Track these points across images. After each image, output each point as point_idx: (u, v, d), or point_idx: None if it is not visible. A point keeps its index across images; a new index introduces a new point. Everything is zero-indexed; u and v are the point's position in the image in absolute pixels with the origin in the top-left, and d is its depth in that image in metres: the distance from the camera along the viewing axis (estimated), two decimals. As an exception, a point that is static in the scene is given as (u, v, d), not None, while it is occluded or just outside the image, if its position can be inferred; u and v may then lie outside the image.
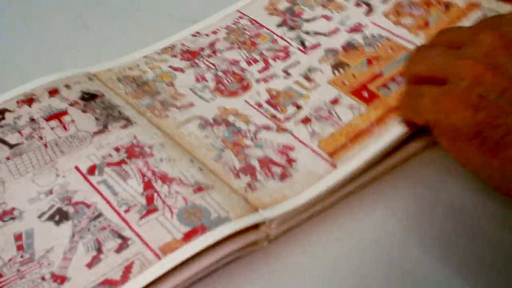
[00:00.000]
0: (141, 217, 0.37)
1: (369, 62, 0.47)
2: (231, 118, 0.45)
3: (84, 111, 0.45)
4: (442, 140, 0.37)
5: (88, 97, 0.46)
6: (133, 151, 0.41)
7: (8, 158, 0.41)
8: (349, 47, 0.49)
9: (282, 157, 0.41)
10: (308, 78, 0.47)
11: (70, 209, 0.38)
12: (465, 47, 0.39)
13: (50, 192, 0.39)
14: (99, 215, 0.37)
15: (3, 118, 0.44)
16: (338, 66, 0.48)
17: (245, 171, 0.40)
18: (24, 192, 0.39)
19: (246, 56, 0.50)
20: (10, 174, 0.40)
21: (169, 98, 0.46)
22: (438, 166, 0.43)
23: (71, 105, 0.45)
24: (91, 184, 0.39)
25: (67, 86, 0.47)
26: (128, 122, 0.44)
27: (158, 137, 0.43)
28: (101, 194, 0.39)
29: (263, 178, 0.40)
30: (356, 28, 0.50)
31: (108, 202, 0.38)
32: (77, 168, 0.40)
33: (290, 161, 0.41)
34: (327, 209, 0.41)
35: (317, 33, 0.51)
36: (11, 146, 0.42)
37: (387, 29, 0.49)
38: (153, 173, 0.40)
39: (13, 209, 0.38)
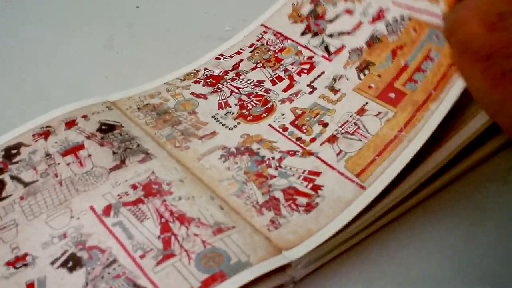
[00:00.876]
0: (157, 263, 0.35)
1: (394, 54, 0.44)
2: (254, 146, 0.43)
3: (101, 144, 0.43)
4: (453, 51, 0.32)
5: (106, 129, 0.44)
6: (151, 189, 0.39)
7: (22, 198, 0.40)
8: (373, 41, 0.46)
9: (308, 185, 0.39)
10: (333, 89, 0.45)
11: (84, 255, 0.36)
12: None
13: (64, 235, 0.37)
14: (114, 261, 0.35)
15: (19, 153, 0.43)
16: (363, 67, 0.45)
17: (268, 206, 0.38)
18: (37, 236, 0.38)
19: (271, 75, 0.48)
20: (23, 215, 0.39)
21: (190, 128, 0.45)
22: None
23: (88, 137, 0.44)
24: (106, 226, 0.37)
25: (85, 117, 0.45)
26: (147, 155, 0.42)
27: (177, 172, 0.41)
28: (116, 238, 0.37)
29: (287, 213, 0.38)
30: (379, 16, 0.47)
31: (123, 246, 0.36)
32: (92, 208, 0.39)
33: (316, 188, 0.39)
34: (358, 244, 0.38)
35: (340, 33, 0.48)
36: (26, 184, 0.41)
37: (409, 6, 0.46)
38: (171, 213, 0.38)
39: (26, 254, 0.37)
